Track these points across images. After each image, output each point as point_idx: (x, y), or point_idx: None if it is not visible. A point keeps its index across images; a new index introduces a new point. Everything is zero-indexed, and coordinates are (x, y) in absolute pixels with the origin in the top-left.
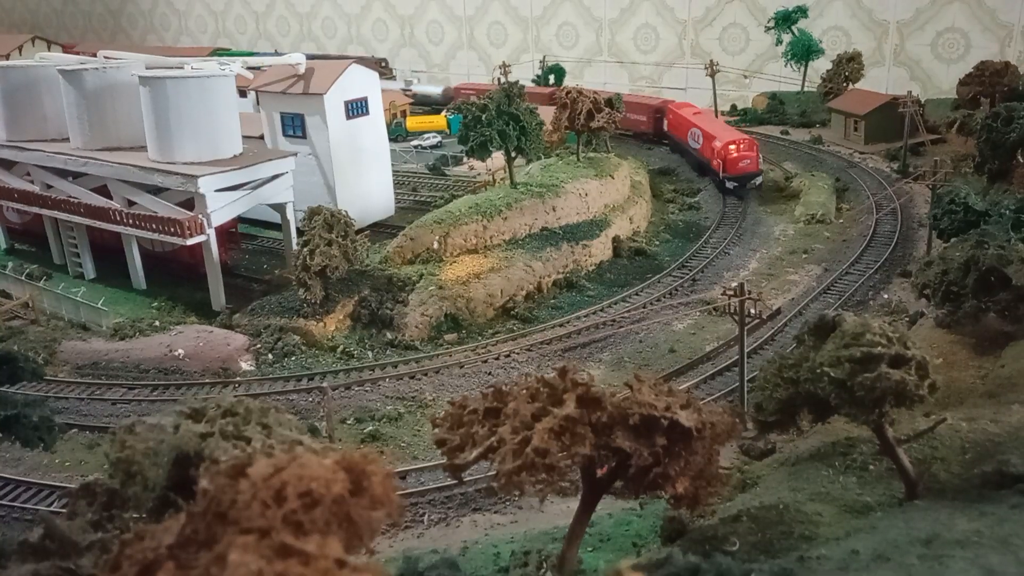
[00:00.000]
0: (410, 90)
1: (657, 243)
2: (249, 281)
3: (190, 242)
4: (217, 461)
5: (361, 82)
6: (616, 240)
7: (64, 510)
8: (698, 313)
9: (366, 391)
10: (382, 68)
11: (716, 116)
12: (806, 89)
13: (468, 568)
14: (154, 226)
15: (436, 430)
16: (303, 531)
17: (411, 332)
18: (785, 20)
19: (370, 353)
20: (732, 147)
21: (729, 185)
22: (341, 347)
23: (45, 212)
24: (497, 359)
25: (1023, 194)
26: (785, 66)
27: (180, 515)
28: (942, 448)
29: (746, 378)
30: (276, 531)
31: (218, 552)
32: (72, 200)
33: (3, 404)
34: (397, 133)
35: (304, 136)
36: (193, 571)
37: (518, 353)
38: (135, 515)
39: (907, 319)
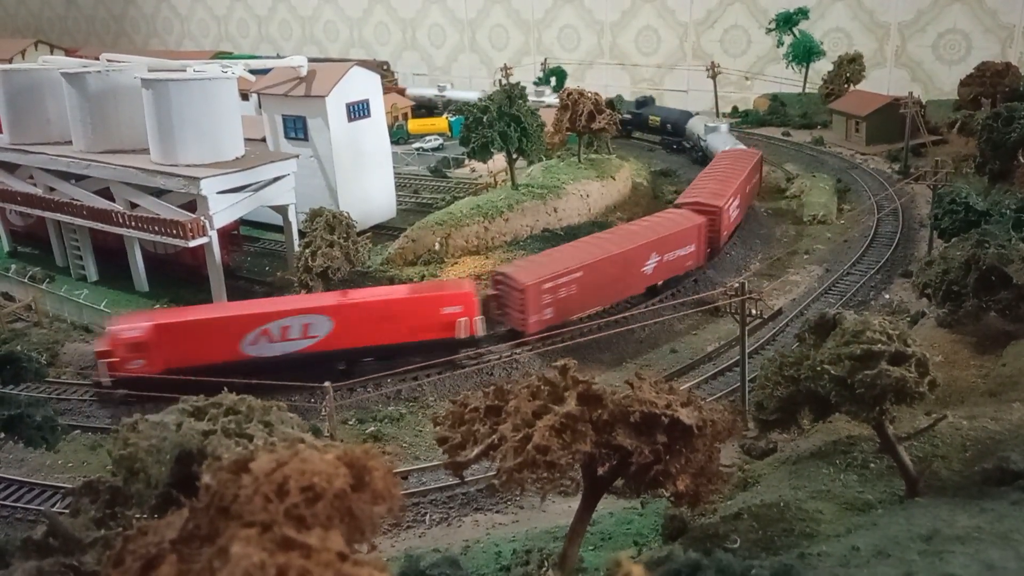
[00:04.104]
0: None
1: None
2: (251, 283)
3: (192, 244)
4: (219, 458)
5: (362, 84)
6: None
7: (67, 509)
8: (699, 313)
9: (368, 391)
10: (384, 71)
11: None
12: (807, 90)
13: (470, 567)
14: (156, 228)
15: (437, 428)
16: (305, 525)
17: None
18: (786, 22)
19: None
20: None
21: None
22: None
23: (48, 215)
24: (499, 359)
25: None
26: (786, 68)
27: (183, 510)
28: (943, 446)
29: (747, 378)
30: (278, 524)
31: (220, 546)
32: (75, 203)
33: (6, 404)
34: (399, 135)
35: (306, 138)
36: (195, 565)
37: (519, 353)
38: (138, 512)
39: (909, 319)
